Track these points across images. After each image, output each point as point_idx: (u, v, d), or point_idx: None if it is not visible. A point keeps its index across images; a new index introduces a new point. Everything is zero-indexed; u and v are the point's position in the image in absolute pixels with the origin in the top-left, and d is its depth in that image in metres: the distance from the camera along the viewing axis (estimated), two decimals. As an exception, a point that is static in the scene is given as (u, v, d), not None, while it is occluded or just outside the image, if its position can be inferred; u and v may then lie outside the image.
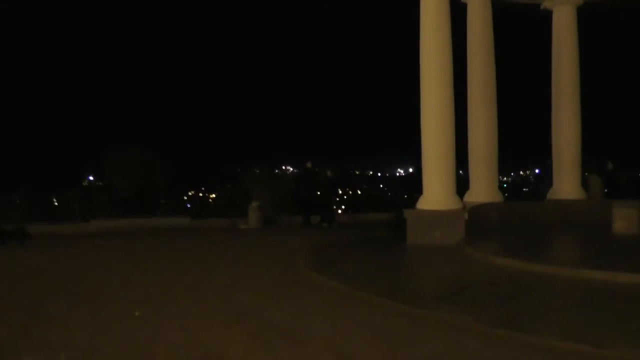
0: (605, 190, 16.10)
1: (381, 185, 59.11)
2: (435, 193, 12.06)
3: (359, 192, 43.18)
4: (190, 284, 8.45)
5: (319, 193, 16.84)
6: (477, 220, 12.60)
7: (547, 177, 16.62)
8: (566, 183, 15.33)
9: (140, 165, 18.01)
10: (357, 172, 67.62)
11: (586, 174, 16.34)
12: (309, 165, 17.26)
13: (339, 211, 19.95)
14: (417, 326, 6.03)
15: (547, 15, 15.73)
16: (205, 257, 11.18)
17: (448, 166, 12.15)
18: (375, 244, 12.18)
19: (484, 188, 14.51)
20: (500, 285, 7.80)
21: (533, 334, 5.52)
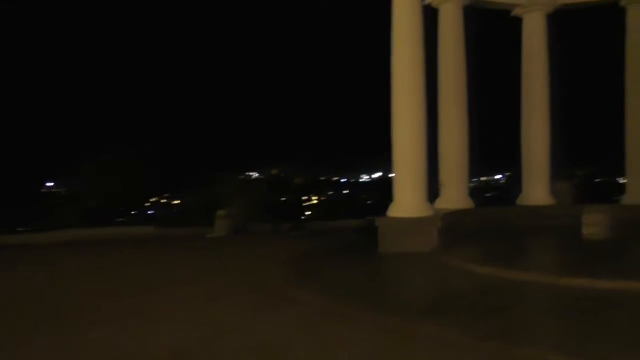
0: (575, 195, 16.20)
1: (347, 191, 59.03)
2: (407, 200, 11.86)
3: (325, 199, 42.93)
4: (157, 302, 7.89)
5: (288, 200, 16.48)
6: (449, 227, 12.43)
7: (515, 184, 16.67)
8: (536, 189, 15.39)
9: (102, 174, 17.32)
10: (323, 178, 67.43)
11: (559, 179, 16.43)
12: (274, 172, 16.93)
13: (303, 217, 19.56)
14: (405, 341, 5.71)
15: (518, 21, 15.81)
16: (171, 269, 10.62)
17: (420, 172, 11.97)
18: (348, 252, 11.86)
19: (455, 194, 14.41)
20: (482, 294, 7.59)
21: (525, 348, 5.29)
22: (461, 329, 5.93)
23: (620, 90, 15.45)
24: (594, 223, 13.73)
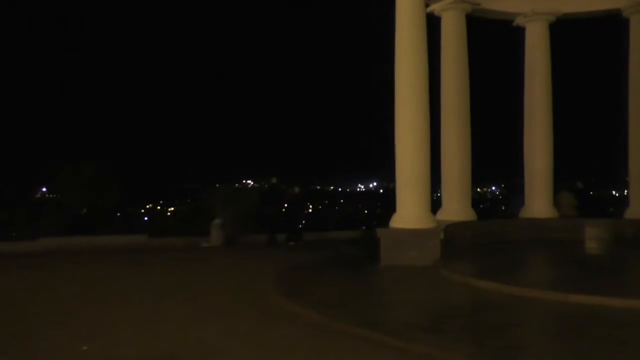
0: (577, 208, 15.95)
1: (342, 201, 58.84)
2: (410, 211, 11.56)
3: (321, 209, 42.70)
4: (144, 317, 7.50)
5: (284, 210, 16.12)
6: (451, 240, 12.14)
7: (517, 196, 16.42)
8: (538, 201, 15.11)
9: (95, 181, 16.94)
10: (319, 188, 67.27)
11: (563, 191, 16.18)
12: (274, 181, 16.56)
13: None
14: (408, 364, 5.40)
15: (521, 31, 15.62)
16: (163, 282, 10.16)
17: (423, 182, 11.67)
18: (348, 265, 11.50)
19: (457, 206, 14.12)
20: (486, 311, 7.31)
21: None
22: (467, 349, 5.62)
23: (624, 102, 15.24)
24: (597, 237, 13.49)
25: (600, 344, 5.75)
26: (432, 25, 14.00)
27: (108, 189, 17.32)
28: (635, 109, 14.94)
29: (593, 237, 13.50)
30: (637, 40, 14.86)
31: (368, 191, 69.76)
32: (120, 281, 10.23)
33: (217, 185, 21.19)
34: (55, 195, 20.48)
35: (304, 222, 17.74)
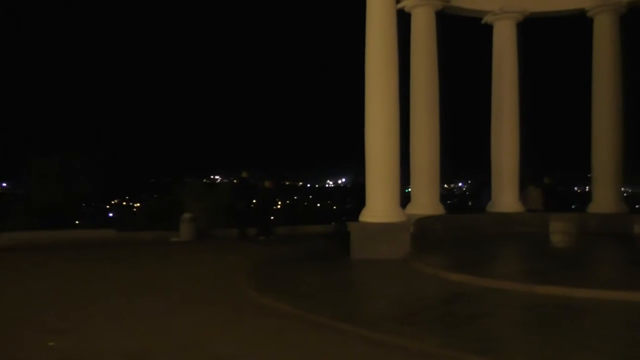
0: (543, 203, 16.36)
1: (310, 197, 58.93)
2: (380, 205, 11.64)
3: (291, 203, 42.70)
4: (116, 311, 7.37)
5: (255, 204, 16.07)
6: (421, 233, 12.30)
7: (486, 191, 16.72)
8: (505, 196, 15.44)
9: (63, 174, 16.55)
10: (288, 183, 67.20)
11: (530, 186, 16.55)
12: (244, 174, 16.46)
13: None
14: (383, 354, 5.46)
15: (490, 29, 15.89)
16: (134, 276, 10.02)
17: (392, 177, 11.77)
18: (319, 259, 11.55)
19: (426, 200, 14.31)
20: (458, 303, 7.42)
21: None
22: (440, 339, 5.71)
23: (588, 101, 15.65)
24: (562, 231, 13.92)
25: (567, 333, 5.91)
26: (403, 21, 14.11)
27: (75, 183, 16.94)
28: (598, 107, 15.37)
29: (559, 230, 13.95)
30: (600, 40, 15.29)
31: (337, 187, 70.00)
32: (91, 276, 10.04)
33: (187, 179, 20.99)
34: (19, 190, 19.94)
35: (272, 217, 17.67)
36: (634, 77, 15.80)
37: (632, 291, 7.51)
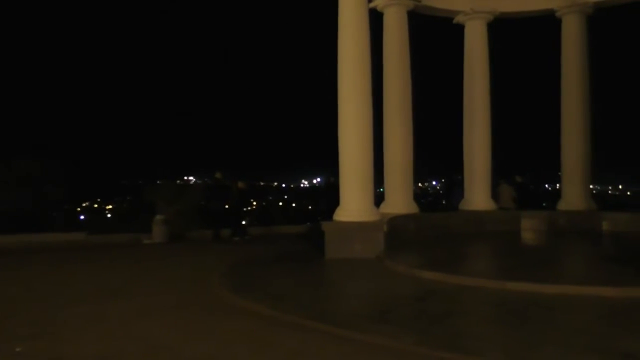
0: (515, 201, 16.60)
1: (285, 197, 58.85)
2: (354, 204, 11.66)
3: (266, 204, 42.48)
4: (87, 315, 7.21)
5: (229, 206, 15.95)
6: (395, 232, 12.36)
7: (457, 189, 16.91)
8: (478, 194, 15.62)
9: (29, 178, 16.17)
10: (262, 184, 66.99)
11: (502, 185, 16.76)
12: (218, 175, 16.33)
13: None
14: (359, 353, 5.44)
15: (461, 29, 16.06)
16: (105, 279, 9.83)
17: (366, 176, 11.80)
18: (294, 259, 11.51)
19: (399, 199, 14.39)
20: (431, 301, 7.47)
21: (479, 356, 5.16)
22: (414, 337, 5.73)
23: (558, 101, 15.93)
24: (533, 228, 14.15)
25: (537, 328, 5.99)
26: (375, 21, 14.19)
27: (44, 187, 16.58)
28: (567, 107, 15.67)
29: (529, 228, 14.18)
30: (568, 41, 15.59)
31: (312, 187, 70.05)
32: (61, 280, 9.80)
33: (159, 181, 20.75)
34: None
35: (247, 218, 17.58)
36: (600, 77, 16.16)
37: (600, 286, 7.68)
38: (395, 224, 12.76)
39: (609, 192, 62.55)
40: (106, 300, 8.05)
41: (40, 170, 16.79)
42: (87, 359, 5.39)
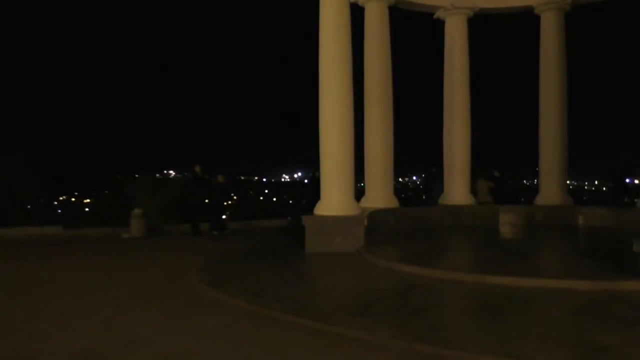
0: (494, 195, 16.77)
1: (266, 191, 58.69)
2: (335, 198, 11.65)
3: (246, 198, 42.30)
4: (63, 309, 7.14)
5: (208, 200, 15.82)
6: (375, 226, 12.40)
7: (436, 184, 17.02)
8: (457, 188, 15.73)
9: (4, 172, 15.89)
10: (243, 178, 66.66)
11: (480, 179, 16.90)
12: (197, 169, 16.18)
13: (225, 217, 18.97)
14: (336, 347, 5.45)
15: (442, 24, 16.12)
16: (83, 274, 9.68)
17: (347, 170, 11.79)
18: (273, 253, 11.47)
19: (380, 193, 14.44)
20: (410, 294, 7.49)
21: (458, 349, 5.19)
22: (392, 330, 5.76)
23: (536, 96, 16.10)
24: (511, 222, 14.31)
25: (515, 321, 6.05)
26: (356, 16, 14.16)
27: (20, 180, 16.30)
28: (545, 103, 15.85)
29: (507, 222, 14.33)
30: (546, 37, 15.75)
31: (293, 181, 69.93)
32: (36, 275, 9.64)
33: (138, 175, 20.51)
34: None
35: (228, 212, 17.48)
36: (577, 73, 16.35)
37: (576, 279, 7.77)
38: (376, 218, 12.80)
39: (585, 187, 63.53)
40: (83, 295, 7.95)
41: (16, 161, 16.50)
42: (64, 356, 5.30)
